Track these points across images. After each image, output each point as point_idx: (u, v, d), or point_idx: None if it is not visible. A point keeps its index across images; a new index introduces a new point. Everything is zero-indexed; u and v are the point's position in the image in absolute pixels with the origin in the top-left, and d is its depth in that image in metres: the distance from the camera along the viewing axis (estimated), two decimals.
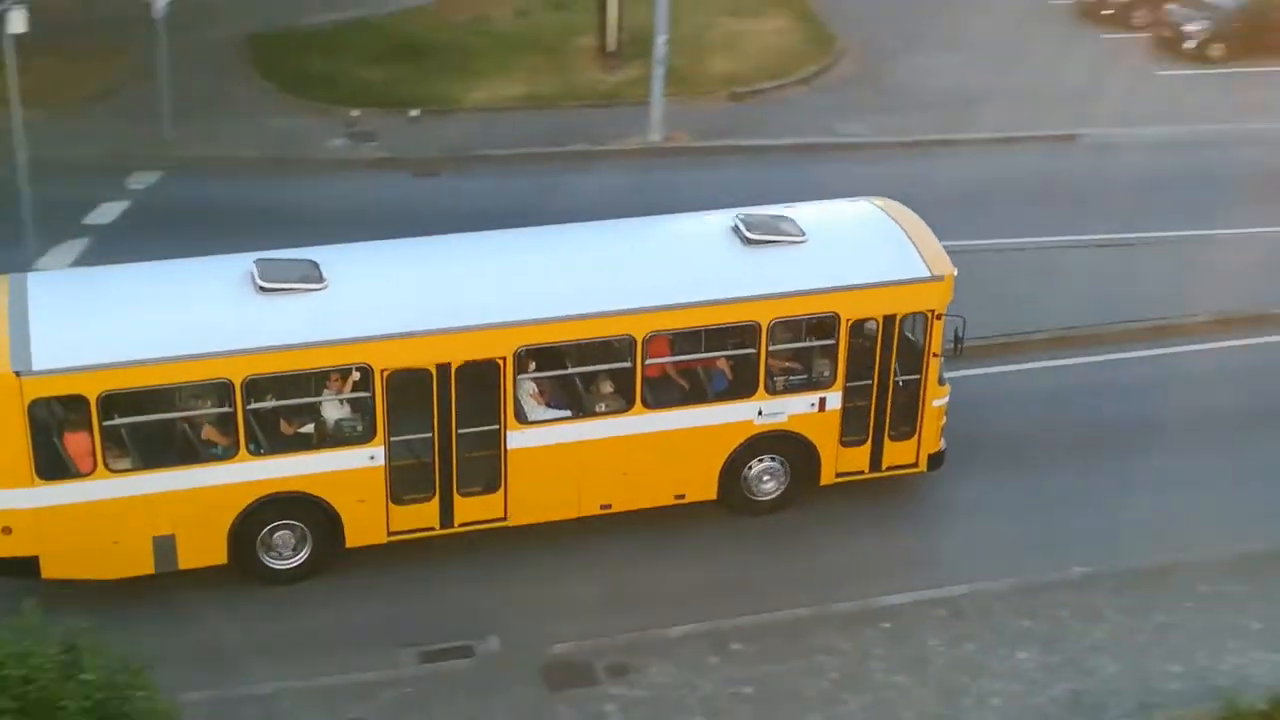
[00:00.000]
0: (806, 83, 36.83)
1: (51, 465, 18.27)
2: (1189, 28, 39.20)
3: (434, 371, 18.95)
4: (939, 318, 20.49)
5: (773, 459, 20.75)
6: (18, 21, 25.02)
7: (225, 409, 18.53)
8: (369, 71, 35.77)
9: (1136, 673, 17.78)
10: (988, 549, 20.25)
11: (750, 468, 20.70)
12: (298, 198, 29.36)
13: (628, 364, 19.70)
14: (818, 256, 20.43)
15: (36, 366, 17.83)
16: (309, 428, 19.13)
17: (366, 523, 19.44)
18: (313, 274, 19.03)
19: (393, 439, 19.14)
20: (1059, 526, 20.67)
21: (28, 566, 18.50)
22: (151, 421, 18.76)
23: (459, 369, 18.98)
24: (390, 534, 19.61)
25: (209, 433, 18.86)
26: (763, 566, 19.88)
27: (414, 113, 33.83)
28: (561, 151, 32.11)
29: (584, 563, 19.74)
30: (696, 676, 17.58)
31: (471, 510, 19.76)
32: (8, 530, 18.34)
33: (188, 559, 19.02)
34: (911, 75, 36.81)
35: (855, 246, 21.07)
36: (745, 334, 20.14)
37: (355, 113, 33.67)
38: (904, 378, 20.77)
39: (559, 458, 19.74)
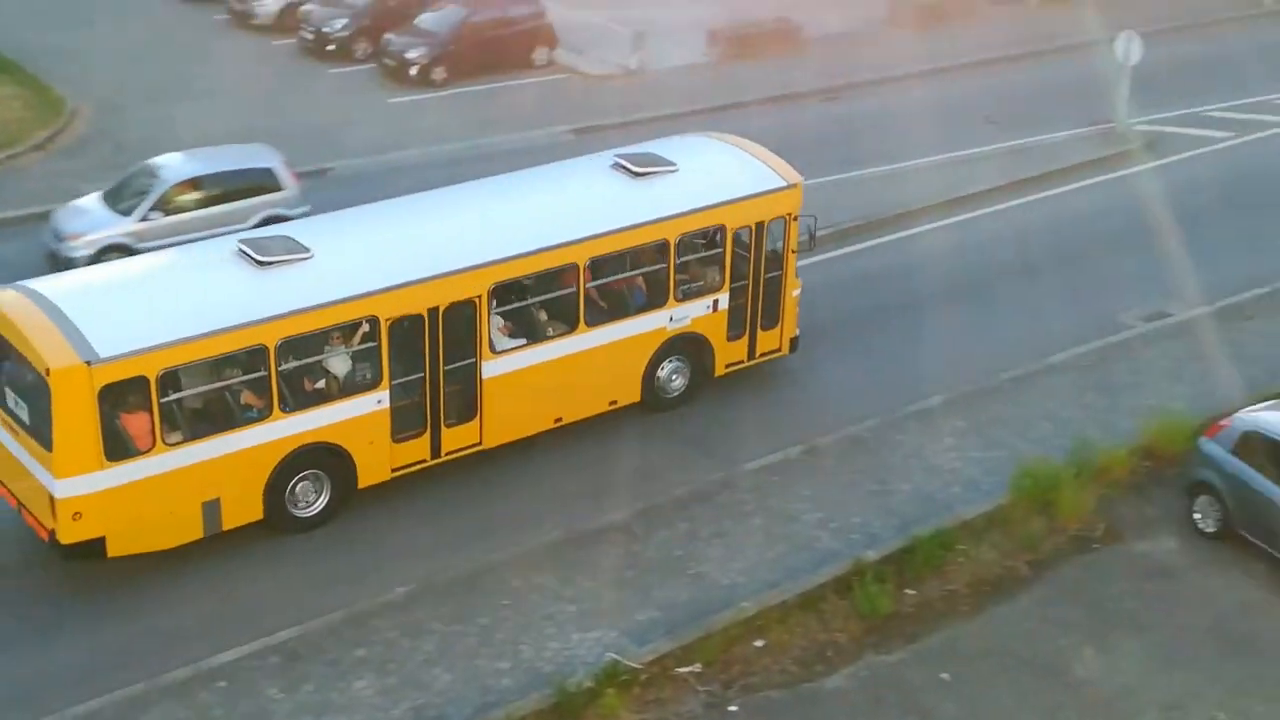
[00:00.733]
0: (41, 148, 35.44)
1: (116, 447, 19.56)
2: (410, 55, 40.77)
3: (425, 316, 21.43)
4: (795, 219, 24.55)
5: (679, 359, 24.35)
6: None
7: (260, 373, 20.38)
8: None
9: (470, 677, 18.55)
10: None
11: (663, 369, 24.21)
12: None
13: (573, 289, 22.75)
14: (695, 180, 24.22)
15: (103, 354, 19.19)
16: (325, 383, 21.15)
17: (375, 463, 21.75)
18: (296, 246, 21.26)
19: (394, 382, 21.45)
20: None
21: (95, 548, 19.78)
22: (199, 394, 20.40)
23: (445, 311, 21.57)
24: (392, 471, 21.98)
25: (247, 397, 20.60)
26: (70, 645, 19.20)
27: None
28: None
29: None
30: None
31: (455, 439, 22.40)
32: (78, 515, 19.48)
33: (230, 519, 20.79)
34: (154, 128, 36.10)
35: (719, 169, 24.89)
36: (658, 252, 23.56)
37: None
38: (771, 274, 24.52)
39: (522, 381, 22.63)
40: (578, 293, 22.80)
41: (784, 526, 21.65)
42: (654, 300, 23.84)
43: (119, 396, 19.51)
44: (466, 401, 22.31)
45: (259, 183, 30.03)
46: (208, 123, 36.05)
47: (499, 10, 41.96)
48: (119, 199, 29.51)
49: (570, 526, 21.56)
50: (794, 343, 25.55)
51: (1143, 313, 28.29)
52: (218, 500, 20.45)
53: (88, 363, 19.02)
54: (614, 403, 23.86)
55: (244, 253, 20.99)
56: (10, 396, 20.27)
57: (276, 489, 20.93)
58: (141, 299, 20.53)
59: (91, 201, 29.84)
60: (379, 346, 21.09)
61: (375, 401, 21.31)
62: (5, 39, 41.88)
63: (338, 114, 38.26)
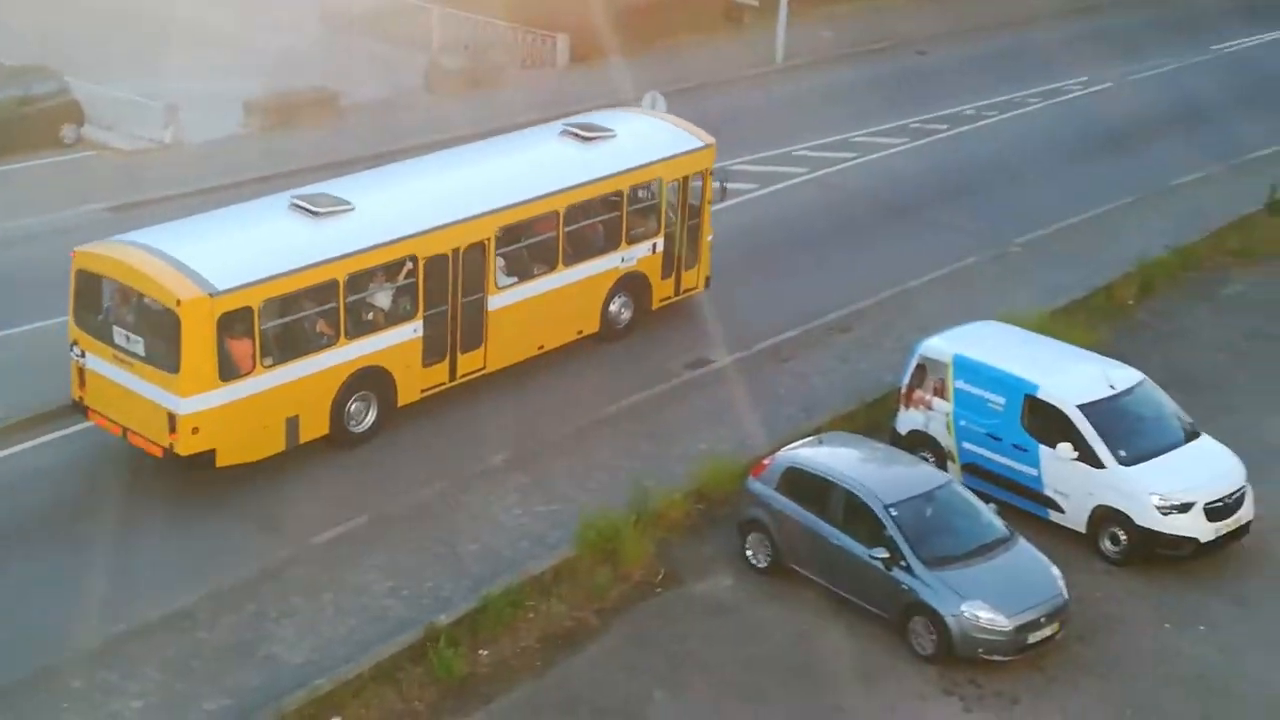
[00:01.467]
0: None
1: (227, 368, 23.26)
2: None
3: (449, 255, 25.86)
4: (710, 174, 30.26)
5: (627, 295, 29.29)
6: None
7: (331, 304, 24.44)
8: None
9: None
10: None
11: (614, 303, 29.10)
12: None
13: (553, 234, 27.56)
14: (633, 142, 29.46)
15: (220, 287, 23.03)
16: (373, 315, 25.28)
17: (410, 385, 25.93)
18: (340, 201, 25.38)
19: (426, 313, 25.71)
20: None
21: (206, 459, 23.45)
22: (286, 322, 24.24)
23: (465, 251, 26.04)
24: (421, 391, 26.20)
25: (321, 325, 24.55)
26: None
27: None
28: None
29: None
30: None
31: (467, 364, 26.81)
32: (196, 430, 23.10)
33: (306, 433, 24.64)
34: None
35: (649, 133, 30.28)
36: (615, 201, 28.65)
37: None
38: (692, 221, 30.04)
39: (517, 313, 27.18)
40: (557, 237, 27.55)
41: (355, 599, 21.57)
42: (610, 243, 28.73)
43: (230, 324, 23.13)
44: (476, 330, 26.62)
45: None
46: None
47: (19, 89, 40.16)
48: None
49: (133, 619, 20.87)
50: (708, 280, 30.74)
51: (688, 360, 29.55)
52: (297, 417, 24.23)
53: (210, 294, 22.76)
54: (580, 332, 28.53)
55: (299, 206, 25.03)
56: (120, 334, 23.62)
57: (338, 406, 24.69)
58: (231, 244, 24.33)
59: None
60: (416, 282, 25.38)
61: (412, 330, 25.57)
62: None
63: None
